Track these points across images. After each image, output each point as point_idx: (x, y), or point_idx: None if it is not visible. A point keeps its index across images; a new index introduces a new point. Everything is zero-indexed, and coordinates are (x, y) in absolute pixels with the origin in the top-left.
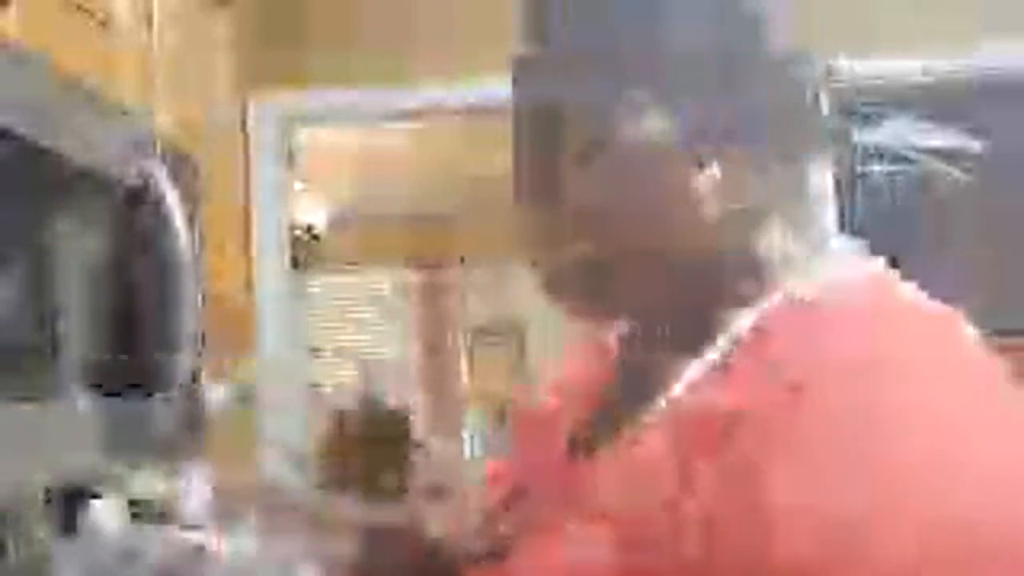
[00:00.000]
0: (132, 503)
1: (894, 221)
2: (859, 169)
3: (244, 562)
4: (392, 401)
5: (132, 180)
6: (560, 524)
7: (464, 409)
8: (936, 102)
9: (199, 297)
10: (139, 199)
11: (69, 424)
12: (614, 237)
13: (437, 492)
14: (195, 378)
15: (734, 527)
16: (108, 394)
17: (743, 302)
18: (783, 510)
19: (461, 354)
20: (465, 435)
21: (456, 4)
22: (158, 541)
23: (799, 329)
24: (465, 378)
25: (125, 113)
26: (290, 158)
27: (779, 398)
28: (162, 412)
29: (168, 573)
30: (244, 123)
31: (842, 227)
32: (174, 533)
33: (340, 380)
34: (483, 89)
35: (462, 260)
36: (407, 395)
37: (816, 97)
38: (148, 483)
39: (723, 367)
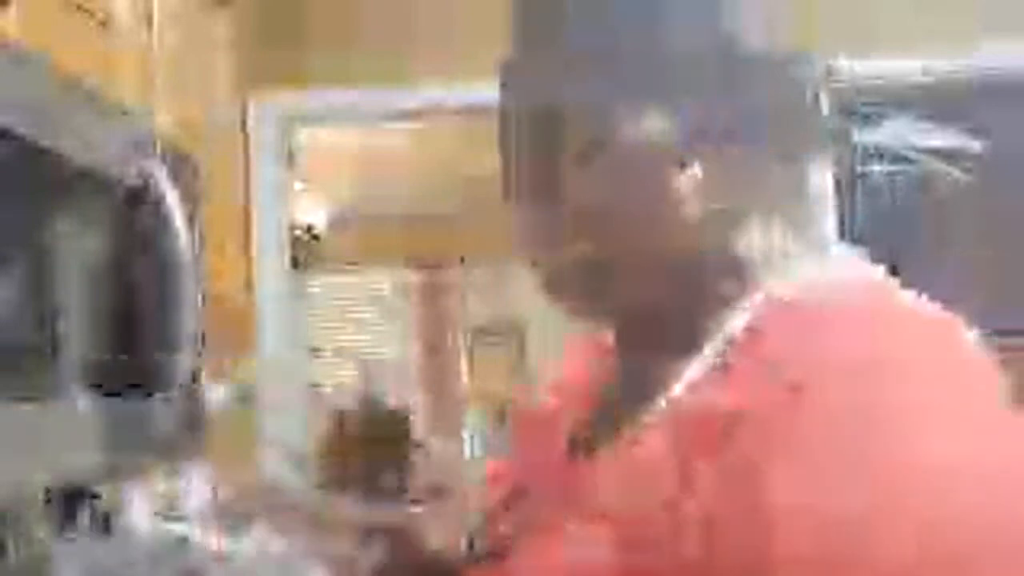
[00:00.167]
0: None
1: (894, 221)
2: (859, 169)
3: (244, 562)
4: (392, 401)
5: (132, 180)
6: (560, 524)
7: (464, 409)
8: (936, 102)
9: (199, 297)
10: (139, 199)
11: (69, 424)
12: (614, 237)
13: (437, 492)
14: (195, 378)
15: (734, 527)
16: (108, 394)
17: (726, 302)
18: (783, 510)
19: (461, 354)
20: (465, 435)
21: (456, 4)
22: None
23: (794, 329)
24: (465, 378)
25: (125, 113)
26: (290, 158)
27: (779, 398)
28: (162, 412)
29: (191, 573)
30: (244, 123)
31: (842, 227)
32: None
33: (340, 380)
34: (483, 89)
35: (462, 260)
36: (407, 395)
37: (816, 97)
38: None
39: (722, 367)
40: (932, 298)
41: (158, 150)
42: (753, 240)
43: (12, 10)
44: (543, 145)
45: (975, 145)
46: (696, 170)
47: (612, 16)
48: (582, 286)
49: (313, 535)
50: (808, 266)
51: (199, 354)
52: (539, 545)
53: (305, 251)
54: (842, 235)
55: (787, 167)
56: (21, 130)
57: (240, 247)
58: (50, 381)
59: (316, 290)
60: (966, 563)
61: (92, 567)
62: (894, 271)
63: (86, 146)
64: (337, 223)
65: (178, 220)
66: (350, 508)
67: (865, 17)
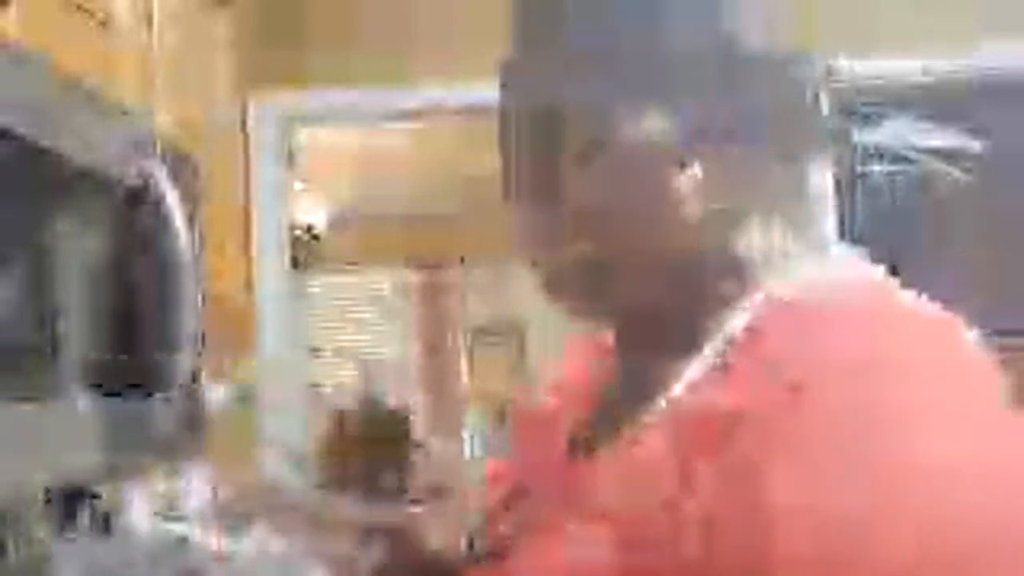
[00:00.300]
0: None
1: (894, 221)
2: (859, 169)
3: (244, 562)
4: (392, 401)
5: (132, 180)
6: (560, 524)
7: (464, 409)
8: (936, 102)
9: (199, 297)
10: (139, 199)
11: (69, 424)
12: (614, 237)
13: (437, 492)
14: (195, 378)
15: (734, 527)
16: (108, 394)
17: (726, 302)
18: (783, 510)
19: (461, 354)
20: (465, 435)
21: (456, 4)
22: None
23: (794, 329)
24: (465, 378)
25: (125, 113)
26: (290, 158)
27: (779, 398)
28: (162, 412)
29: (191, 573)
30: (244, 123)
31: (842, 227)
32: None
33: (340, 380)
34: (483, 89)
35: (462, 260)
36: (407, 395)
37: (816, 97)
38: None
39: (722, 367)
40: (932, 298)
41: (158, 150)
42: (753, 240)
43: (12, 10)
44: (543, 145)
45: (975, 145)
46: (696, 170)
47: (612, 16)
48: (582, 286)
49: (313, 535)
50: (808, 266)
51: (199, 354)
52: (539, 545)
53: (305, 251)
54: (842, 235)
55: (787, 167)
56: (21, 130)
57: (240, 247)
58: (50, 381)
59: (316, 290)
60: (966, 563)
61: (92, 567)
62: (894, 271)
63: (86, 146)
64: (337, 223)
65: (178, 220)
66: (350, 508)
67: (865, 17)
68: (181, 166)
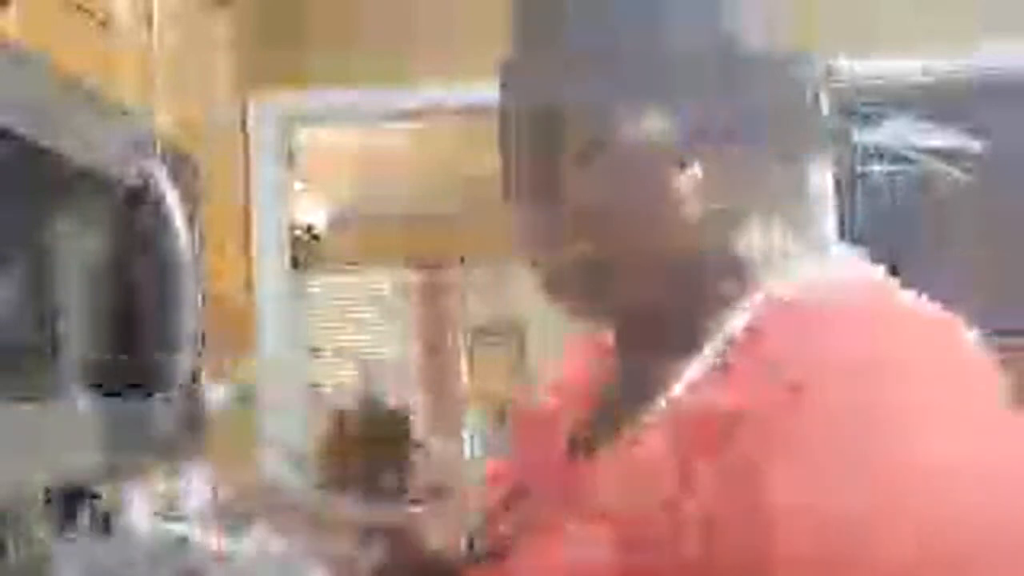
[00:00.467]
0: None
1: (894, 221)
2: (859, 169)
3: (244, 562)
4: (392, 401)
5: (132, 180)
6: (560, 524)
7: (464, 409)
8: (936, 102)
9: (199, 297)
10: (139, 199)
11: (69, 424)
12: (614, 237)
13: (437, 492)
14: (195, 378)
15: (734, 527)
16: (108, 394)
17: (726, 302)
18: (783, 510)
19: (461, 354)
20: (465, 435)
21: (456, 4)
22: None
23: (794, 329)
24: (465, 378)
25: (125, 113)
26: (290, 158)
27: (779, 398)
28: (162, 412)
29: (191, 573)
30: (244, 123)
31: (842, 227)
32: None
33: (340, 380)
34: (483, 89)
35: (462, 260)
36: (407, 395)
37: (816, 97)
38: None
39: (722, 367)
40: (932, 298)
41: (158, 150)
42: (753, 240)
43: (12, 10)
44: (543, 145)
45: (975, 145)
46: (696, 170)
47: (612, 16)
48: (582, 286)
49: (313, 535)
50: (808, 266)
51: (199, 354)
52: (539, 545)
53: (305, 251)
54: (842, 235)
55: (787, 167)
56: (21, 130)
57: (240, 247)
58: (50, 381)
59: (316, 290)
60: (966, 563)
61: (92, 567)
62: (894, 271)
63: (86, 146)
64: (337, 223)
65: (178, 220)
66: (350, 508)
67: (865, 17)
68: (181, 166)
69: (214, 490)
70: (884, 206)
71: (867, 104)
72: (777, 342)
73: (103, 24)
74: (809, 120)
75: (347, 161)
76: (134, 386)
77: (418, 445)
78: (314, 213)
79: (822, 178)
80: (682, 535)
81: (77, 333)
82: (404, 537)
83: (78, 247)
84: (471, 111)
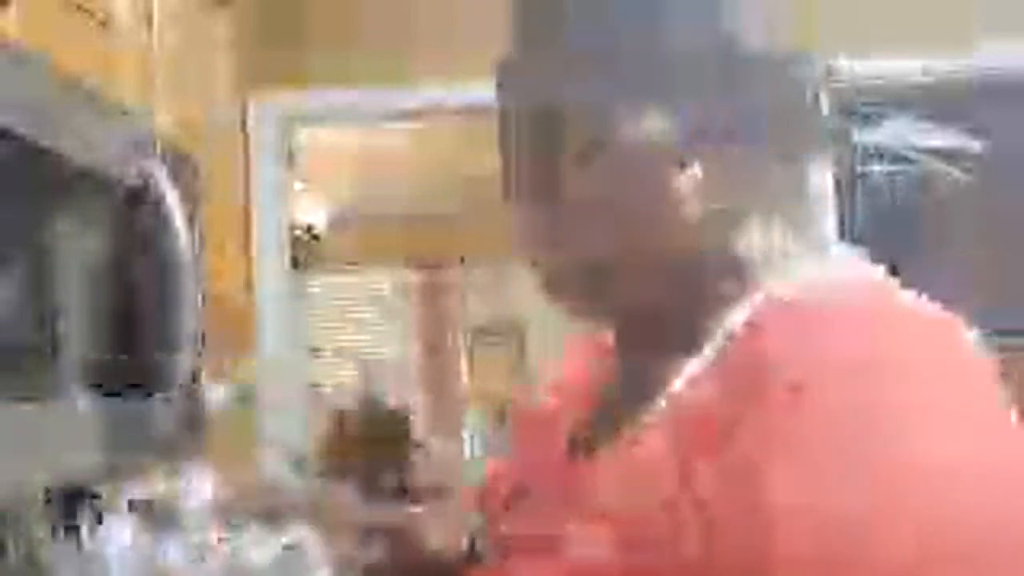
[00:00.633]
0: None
1: (894, 221)
2: (859, 169)
3: (245, 562)
4: (392, 401)
5: (132, 180)
6: (560, 524)
7: (464, 409)
8: (936, 102)
9: (199, 297)
10: (139, 199)
11: (69, 424)
12: (614, 237)
13: (437, 492)
14: (195, 378)
15: (734, 527)
16: (108, 394)
17: (726, 302)
18: (783, 510)
19: (461, 354)
20: (465, 435)
21: (456, 4)
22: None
23: (794, 329)
24: (465, 378)
25: (125, 113)
26: (290, 158)
27: (779, 398)
28: (162, 412)
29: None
30: (244, 123)
31: (842, 227)
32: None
33: (340, 380)
34: (483, 89)
35: (462, 260)
36: (407, 395)
37: (816, 97)
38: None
39: (722, 367)
40: (932, 298)
41: (158, 150)
42: (753, 240)
43: (12, 10)
44: (542, 145)
45: (975, 145)
46: (696, 170)
47: (612, 16)
48: (582, 286)
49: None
50: (808, 266)
51: (199, 354)
52: (539, 545)
53: (305, 251)
54: (842, 235)
55: (787, 167)
56: (21, 130)
57: (240, 247)
58: (50, 381)
59: (316, 290)
60: (966, 563)
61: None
62: (894, 271)
63: (86, 146)
64: (337, 223)
65: (178, 220)
66: (350, 503)
67: (865, 17)
68: (181, 166)
69: (214, 490)
70: (884, 206)
71: (867, 104)
72: (777, 342)
73: (103, 24)
74: (809, 120)
75: (347, 161)
76: (134, 386)
77: (418, 445)
78: (314, 213)
79: (822, 178)
80: (682, 535)
81: (77, 333)
82: (404, 537)
83: (78, 247)
84: (471, 111)
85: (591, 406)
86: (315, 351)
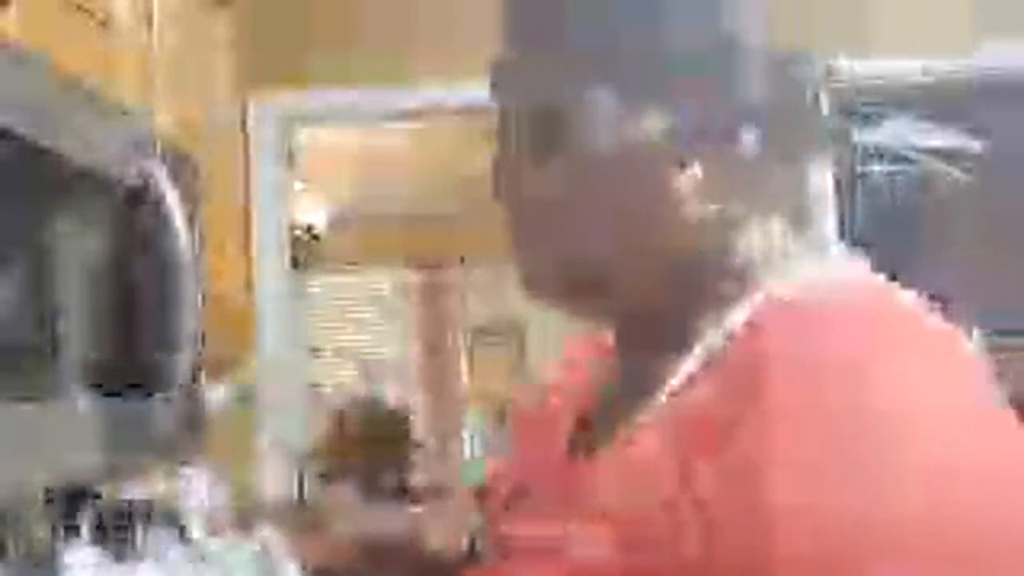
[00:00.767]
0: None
1: (894, 221)
2: (859, 169)
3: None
4: (392, 401)
5: (132, 180)
6: (560, 524)
7: (464, 409)
8: (936, 102)
9: (199, 297)
10: (139, 199)
11: (69, 424)
12: (613, 237)
13: (437, 492)
14: (195, 378)
15: (734, 527)
16: (108, 394)
17: (726, 302)
18: (783, 510)
19: (461, 354)
20: (465, 435)
21: (456, 4)
22: None
23: (794, 329)
24: (465, 378)
25: (125, 113)
26: (290, 158)
27: (779, 398)
28: (162, 412)
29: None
30: (244, 123)
31: (842, 227)
32: None
33: (340, 380)
34: (483, 89)
35: (462, 260)
36: (407, 395)
37: (816, 97)
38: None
39: (721, 366)
40: (932, 298)
41: (158, 150)
42: (753, 240)
43: (12, 10)
44: (538, 145)
45: (975, 145)
46: (696, 170)
47: (612, 16)
48: (559, 285)
49: (313, 535)
50: (808, 266)
51: (199, 354)
52: (539, 545)
53: (305, 251)
54: (842, 235)
55: (787, 167)
56: (21, 130)
57: (240, 247)
58: (50, 381)
59: (316, 290)
60: (966, 563)
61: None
62: (894, 271)
63: (86, 146)
64: (337, 223)
65: (178, 220)
66: (350, 502)
67: (865, 17)
68: (181, 166)
69: (214, 490)
70: (884, 206)
71: (867, 104)
72: (777, 342)
73: (103, 24)
74: (809, 120)
75: (347, 161)
76: (134, 386)
77: (418, 445)
78: (314, 213)
79: (822, 178)
80: (682, 535)
81: (77, 333)
82: (404, 537)
83: (78, 247)
84: (471, 111)
85: (591, 406)
86: (315, 351)
